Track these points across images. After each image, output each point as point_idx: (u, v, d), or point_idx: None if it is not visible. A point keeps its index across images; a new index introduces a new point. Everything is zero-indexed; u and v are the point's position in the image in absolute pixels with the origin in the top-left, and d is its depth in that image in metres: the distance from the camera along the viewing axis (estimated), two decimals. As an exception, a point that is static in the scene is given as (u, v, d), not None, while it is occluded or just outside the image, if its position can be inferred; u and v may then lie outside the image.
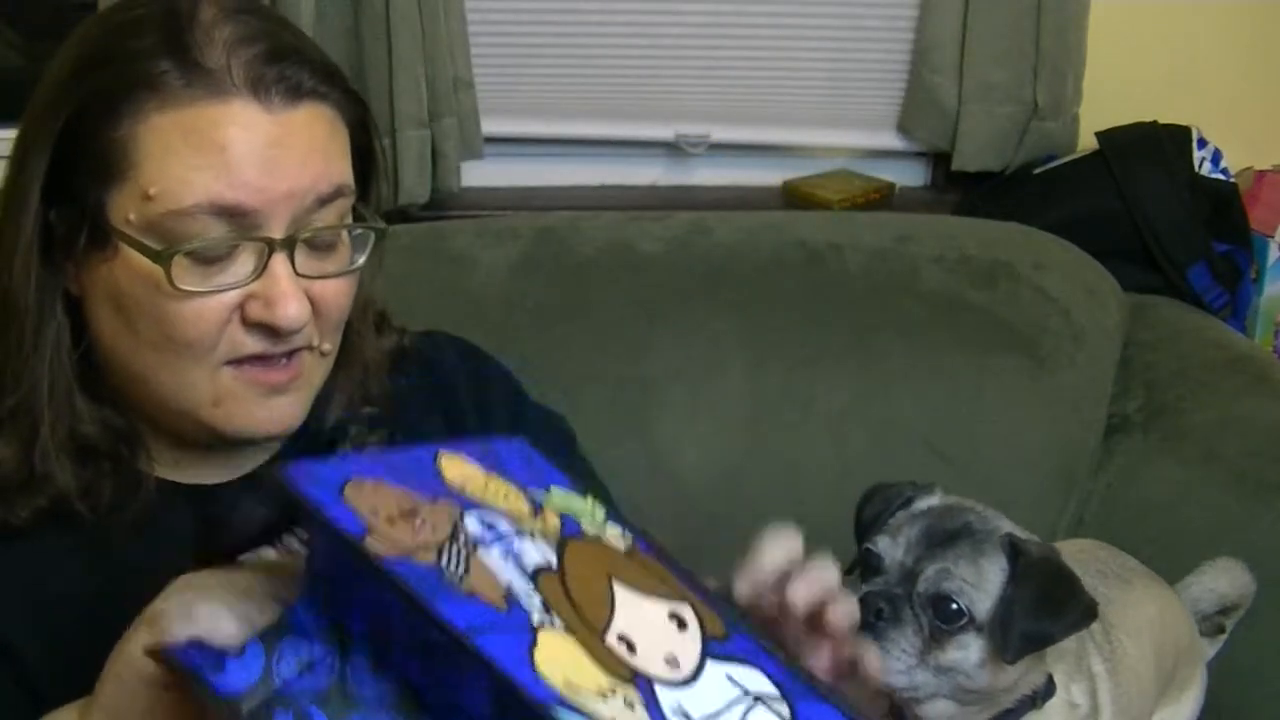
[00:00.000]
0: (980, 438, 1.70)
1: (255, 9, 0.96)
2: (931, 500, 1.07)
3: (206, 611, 0.71)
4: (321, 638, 0.68)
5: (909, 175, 2.36)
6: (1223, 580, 1.42)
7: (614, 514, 0.77)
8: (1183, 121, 2.09)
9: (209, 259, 0.91)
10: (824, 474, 1.66)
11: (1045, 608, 1.01)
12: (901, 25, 2.21)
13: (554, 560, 0.69)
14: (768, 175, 2.31)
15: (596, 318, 1.69)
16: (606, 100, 2.28)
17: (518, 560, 0.67)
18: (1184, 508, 1.60)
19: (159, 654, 0.70)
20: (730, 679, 0.69)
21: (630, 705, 0.63)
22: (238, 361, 0.94)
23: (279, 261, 0.92)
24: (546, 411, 1.21)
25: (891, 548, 1.03)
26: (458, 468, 0.73)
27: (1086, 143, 2.14)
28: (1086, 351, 1.74)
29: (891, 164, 2.34)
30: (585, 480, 0.81)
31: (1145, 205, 2.04)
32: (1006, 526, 1.05)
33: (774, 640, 0.78)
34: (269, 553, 0.76)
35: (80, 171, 0.91)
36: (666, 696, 0.65)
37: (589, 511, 0.76)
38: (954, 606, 1.00)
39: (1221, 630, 1.42)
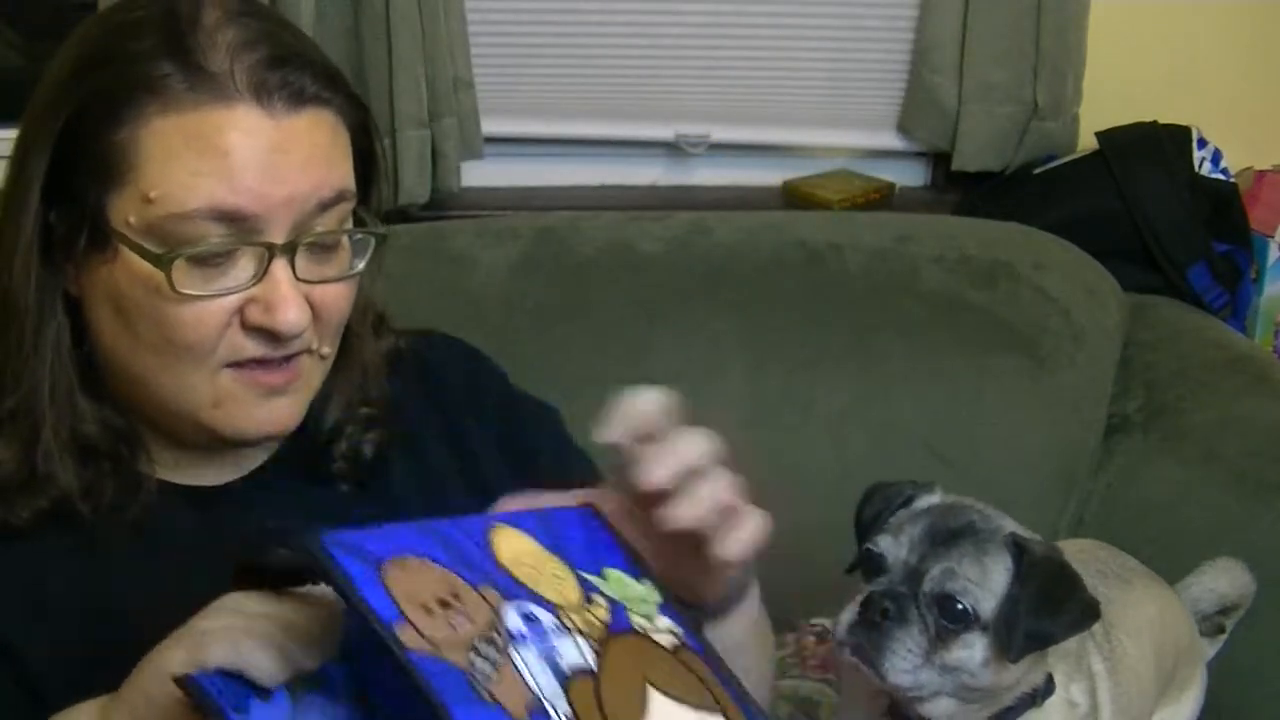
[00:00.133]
0: (980, 438, 1.70)
1: (257, 11, 0.96)
2: (932, 499, 1.07)
3: (250, 645, 0.71)
4: (348, 701, 0.67)
5: (909, 175, 2.35)
6: (1223, 580, 1.42)
7: (666, 605, 0.76)
8: (1183, 121, 2.09)
9: (209, 263, 0.91)
10: (824, 475, 1.66)
11: (1049, 607, 1.01)
12: (901, 25, 2.21)
13: (593, 661, 0.68)
14: (768, 175, 2.31)
15: (596, 318, 1.69)
16: (606, 100, 2.28)
17: (554, 662, 0.66)
18: (1184, 508, 1.60)
19: (184, 681, 0.69)
20: None
21: None
22: (237, 364, 0.94)
23: (279, 266, 0.92)
24: (540, 408, 1.21)
25: (894, 547, 1.03)
26: (512, 544, 0.72)
27: (1086, 143, 2.14)
28: (1086, 351, 1.74)
29: (891, 164, 2.34)
30: (637, 561, 0.80)
31: (1145, 205, 2.04)
32: (1009, 525, 1.05)
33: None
34: (319, 590, 0.75)
35: (80, 172, 0.91)
36: None
37: (642, 598, 0.75)
38: (959, 606, 1.00)
39: (1221, 630, 1.42)
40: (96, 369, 0.97)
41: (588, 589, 0.73)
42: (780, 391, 1.70)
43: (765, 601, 1.06)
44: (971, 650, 1.01)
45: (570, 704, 0.64)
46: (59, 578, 0.97)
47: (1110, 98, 2.15)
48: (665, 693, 0.69)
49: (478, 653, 0.64)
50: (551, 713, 0.63)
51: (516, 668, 0.64)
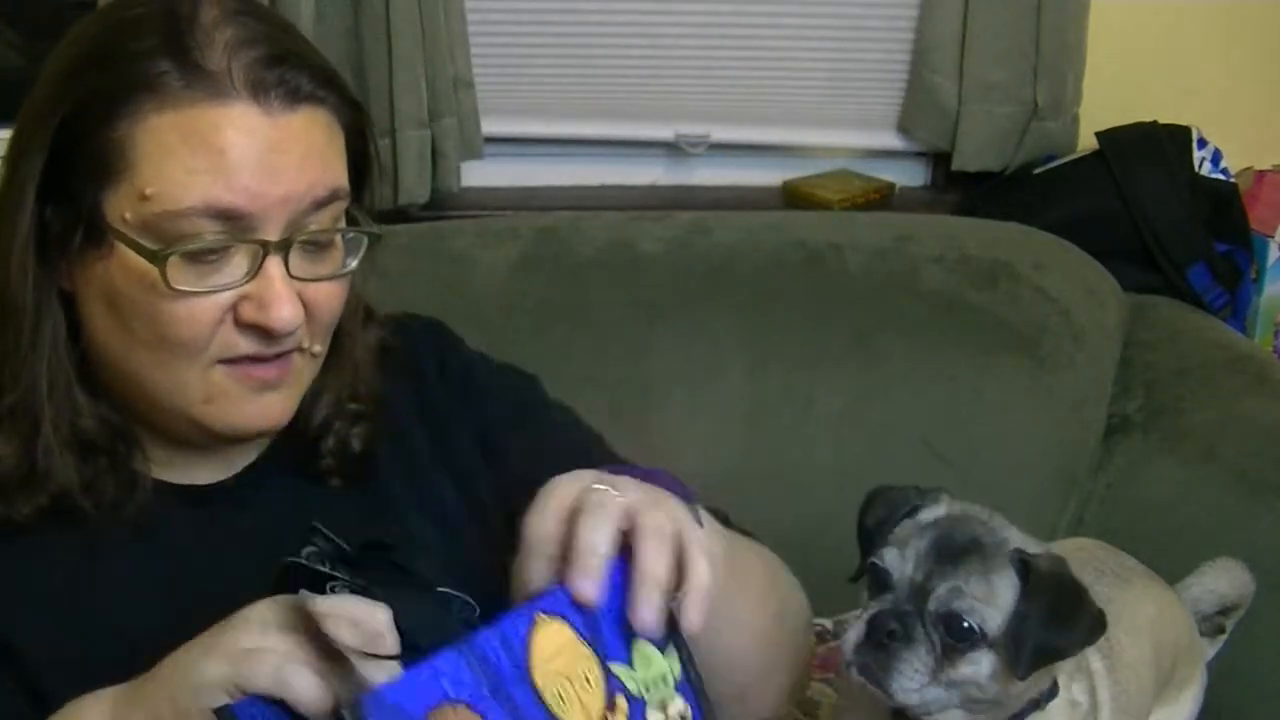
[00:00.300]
0: (980, 438, 1.70)
1: (255, 11, 0.96)
2: (938, 511, 1.06)
3: (294, 671, 0.74)
4: None
5: (909, 175, 2.36)
6: (1223, 580, 1.41)
7: (684, 678, 0.80)
8: (1183, 121, 2.09)
9: (204, 259, 0.91)
10: (824, 474, 1.66)
11: (1056, 623, 1.00)
12: (901, 25, 2.21)
13: None
14: (768, 175, 2.31)
15: (596, 318, 1.69)
16: (606, 100, 2.28)
17: None
18: (1184, 508, 1.60)
19: (224, 713, 0.72)
20: None
21: None
22: (229, 361, 0.95)
23: (273, 264, 0.92)
24: (505, 380, 1.19)
25: (899, 563, 1.02)
26: (551, 640, 0.75)
27: (1086, 143, 2.14)
28: (1086, 351, 1.74)
29: (891, 164, 2.34)
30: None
31: (1145, 205, 2.04)
32: (1015, 538, 1.04)
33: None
34: (349, 604, 0.77)
35: (77, 170, 0.91)
36: None
37: (663, 677, 0.79)
38: (966, 624, 0.99)
39: (1221, 630, 1.42)
40: (92, 366, 0.98)
41: (612, 689, 0.77)
42: (780, 391, 1.70)
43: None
44: (978, 667, 1.00)
45: None
46: (58, 575, 0.97)
47: (1110, 98, 2.15)
48: None
49: None
50: None
51: None
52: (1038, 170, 2.15)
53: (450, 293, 1.64)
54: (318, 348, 1.00)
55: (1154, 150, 2.06)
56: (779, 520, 1.29)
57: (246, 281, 0.92)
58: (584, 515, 0.81)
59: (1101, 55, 2.14)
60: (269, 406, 0.98)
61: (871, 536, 1.06)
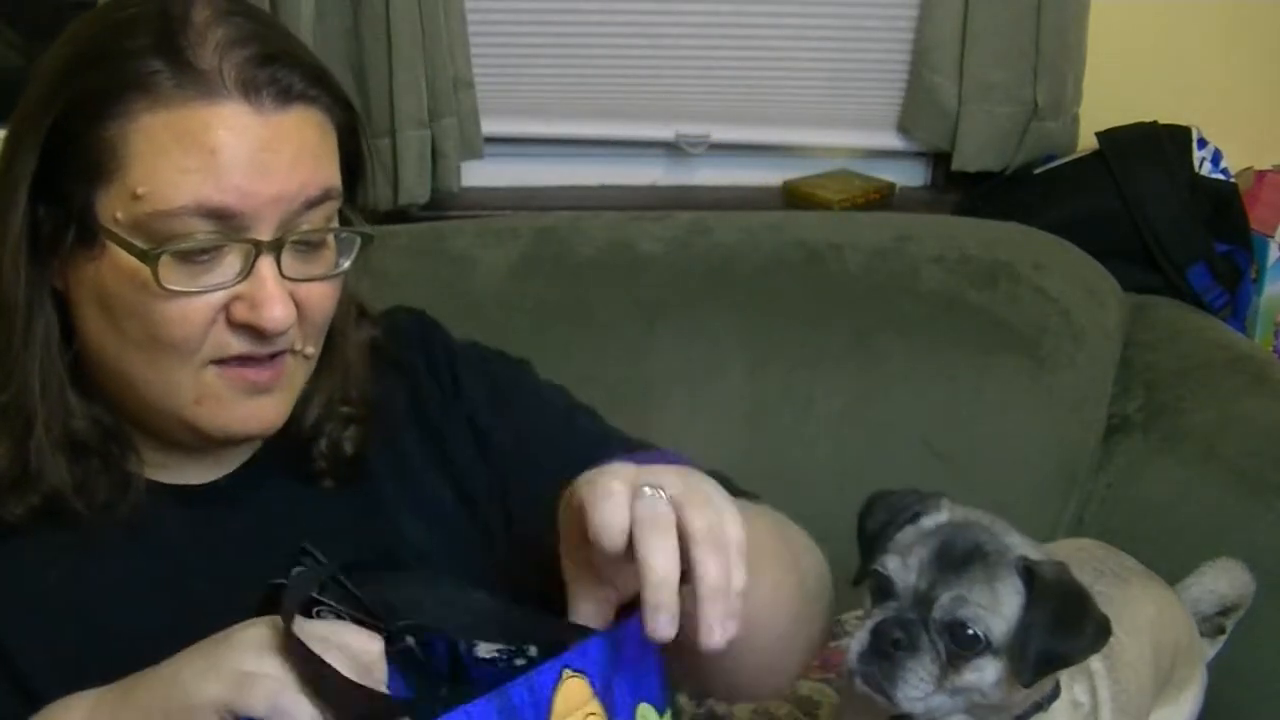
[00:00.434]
0: (980, 438, 1.70)
1: (247, 10, 0.96)
2: (940, 517, 1.05)
3: (290, 699, 0.75)
4: None
5: (909, 175, 2.36)
6: (1223, 581, 1.42)
7: None
8: (1183, 121, 2.09)
9: (195, 259, 0.91)
10: (824, 474, 1.66)
11: (1062, 630, 1.00)
12: (901, 25, 2.21)
13: None
14: (768, 175, 2.31)
15: (596, 318, 1.69)
16: (606, 100, 2.28)
17: None
18: (1184, 508, 1.60)
19: None
20: None
21: None
22: (222, 361, 0.95)
23: (265, 264, 0.92)
24: (490, 366, 1.17)
25: (902, 570, 1.02)
26: (570, 698, 0.77)
27: (1086, 143, 2.14)
28: (1086, 351, 1.74)
29: (891, 164, 2.34)
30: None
31: (1145, 205, 2.04)
32: (1018, 545, 1.04)
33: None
34: (346, 632, 0.79)
35: (69, 170, 0.91)
36: None
37: None
38: (970, 632, 0.99)
39: (1221, 631, 1.42)
40: (84, 366, 0.98)
41: None
42: (780, 391, 1.70)
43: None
44: (983, 674, 1.00)
45: None
46: (51, 576, 0.97)
47: (1110, 98, 2.15)
48: None
49: None
50: None
51: None
52: (1038, 170, 2.15)
53: (450, 293, 1.64)
54: (310, 350, 1.00)
55: (1154, 150, 2.06)
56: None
57: (238, 281, 0.92)
58: (644, 532, 0.78)
59: (1101, 55, 2.14)
60: (261, 409, 0.98)
61: (872, 542, 1.05)
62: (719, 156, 2.30)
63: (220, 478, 1.04)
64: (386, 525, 1.05)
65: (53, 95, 0.92)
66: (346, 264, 0.99)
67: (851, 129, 2.32)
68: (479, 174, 2.24)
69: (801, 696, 1.50)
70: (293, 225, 0.93)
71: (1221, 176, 2.08)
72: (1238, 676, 1.40)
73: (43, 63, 0.95)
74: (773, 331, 1.72)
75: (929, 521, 1.05)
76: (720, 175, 2.33)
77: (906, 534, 1.04)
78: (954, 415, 1.70)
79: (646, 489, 0.80)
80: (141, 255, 0.90)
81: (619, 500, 0.80)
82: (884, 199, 2.27)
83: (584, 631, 0.83)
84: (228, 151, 0.89)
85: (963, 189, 2.25)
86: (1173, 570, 1.40)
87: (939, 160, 2.30)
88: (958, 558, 1.01)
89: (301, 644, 0.76)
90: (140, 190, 0.89)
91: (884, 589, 1.03)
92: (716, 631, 0.78)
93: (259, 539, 0.99)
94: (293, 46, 0.96)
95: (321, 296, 0.98)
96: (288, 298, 0.93)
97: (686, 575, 0.79)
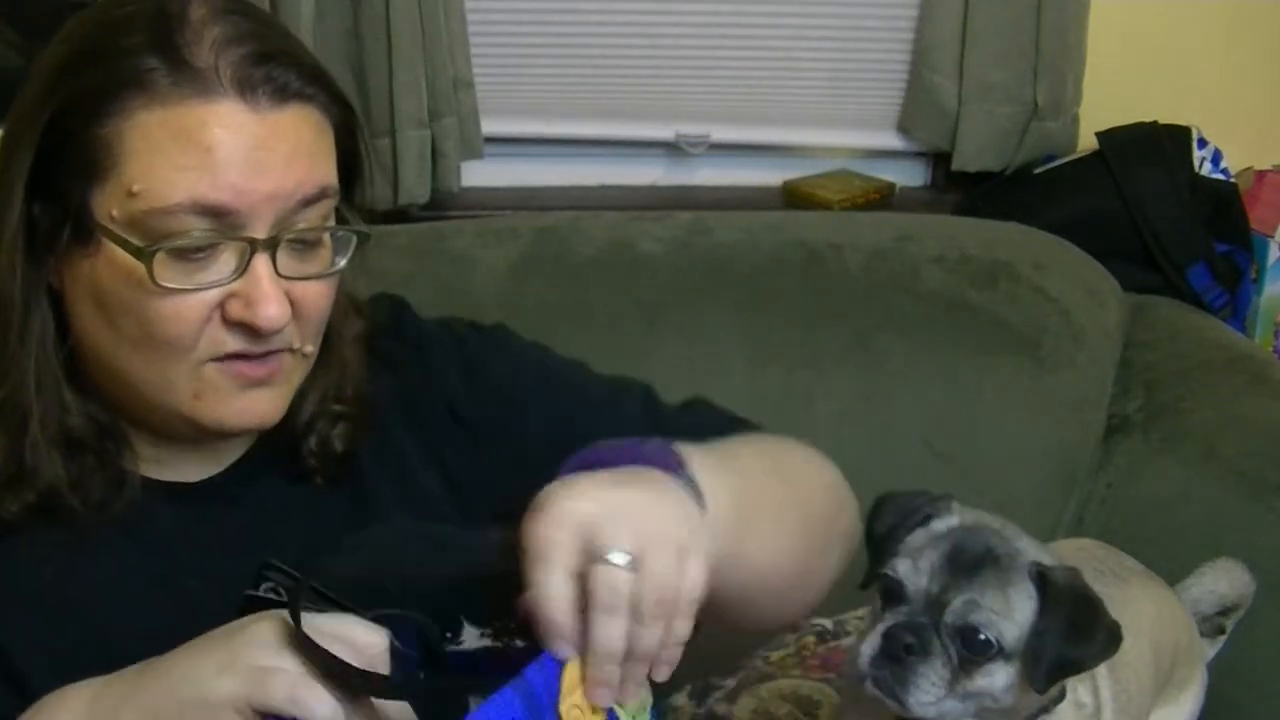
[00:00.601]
0: (980, 438, 1.70)
1: (244, 9, 0.96)
2: (950, 521, 1.05)
3: (308, 691, 0.75)
4: None
5: (909, 175, 2.36)
6: (1223, 581, 1.41)
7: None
8: (1183, 121, 2.09)
9: (191, 257, 0.91)
10: (824, 474, 1.65)
11: (1075, 636, 0.99)
12: (901, 25, 2.21)
13: None
14: (768, 175, 2.32)
15: (596, 318, 1.69)
16: (606, 100, 2.28)
17: None
18: (1184, 508, 1.60)
19: None
20: None
21: None
22: (218, 358, 0.95)
23: (261, 262, 0.92)
24: (463, 343, 1.16)
25: (913, 574, 1.01)
26: (573, 674, 0.78)
27: (1086, 143, 2.14)
28: (1086, 351, 1.74)
29: (891, 164, 2.34)
30: None
31: (1145, 205, 2.04)
32: (1030, 550, 1.03)
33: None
34: (351, 626, 0.79)
35: (65, 167, 0.91)
36: None
37: (641, 705, 0.83)
38: (982, 638, 0.99)
39: (1221, 631, 1.42)
40: (80, 364, 0.98)
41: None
42: (780, 391, 1.69)
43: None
44: (994, 679, 1.00)
45: None
46: (47, 573, 0.97)
47: (1110, 98, 2.15)
48: None
49: None
50: None
51: None
52: (1038, 170, 2.15)
53: (450, 293, 1.64)
54: (309, 348, 1.00)
55: (1154, 150, 2.06)
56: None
57: (234, 279, 0.92)
58: (597, 614, 0.77)
59: (1101, 55, 2.15)
60: (258, 403, 0.98)
61: (881, 544, 1.05)
62: (719, 156, 2.31)
63: (215, 475, 1.04)
64: (378, 522, 1.05)
65: (49, 93, 0.92)
66: (343, 262, 0.99)
67: (851, 129, 2.32)
68: (479, 174, 2.24)
69: (801, 696, 1.50)
70: (288, 223, 0.93)
71: (1221, 176, 2.08)
72: (1238, 676, 1.40)
73: (40, 60, 0.95)
74: (773, 331, 1.71)
75: (940, 525, 1.04)
76: (720, 175, 2.33)
77: (917, 537, 1.03)
78: (954, 415, 1.70)
79: (603, 557, 0.77)
80: (137, 252, 0.90)
81: (558, 577, 0.77)
82: (884, 199, 2.27)
83: None
84: (223, 149, 0.89)
85: (963, 189, 2.25)
86: (1173, 570, 1.40)
87: (939, 160, 2.30)
88: (969, 562, 1.01)
89: (310, 639, 0.76)
90: (136, 188, 0.89)
91: (894, 593, 1.02)
92: (602, 694, 0.78)
93: (253, 536, 0.99)
94: (290, 45, 0.96)
95: (317, 295, 0.98)
96: (283, 296, 0.93)
97: None
